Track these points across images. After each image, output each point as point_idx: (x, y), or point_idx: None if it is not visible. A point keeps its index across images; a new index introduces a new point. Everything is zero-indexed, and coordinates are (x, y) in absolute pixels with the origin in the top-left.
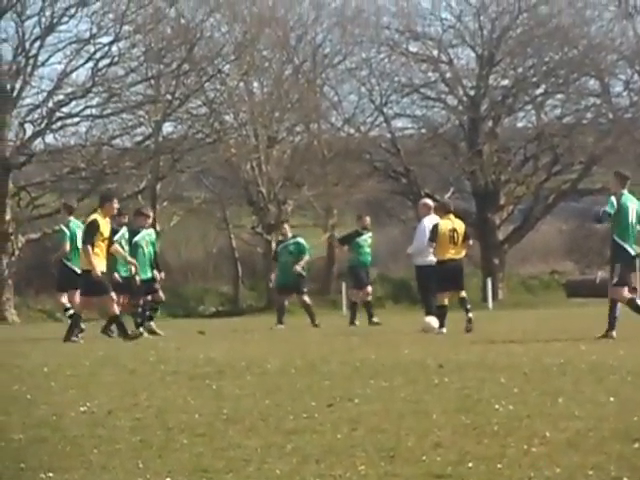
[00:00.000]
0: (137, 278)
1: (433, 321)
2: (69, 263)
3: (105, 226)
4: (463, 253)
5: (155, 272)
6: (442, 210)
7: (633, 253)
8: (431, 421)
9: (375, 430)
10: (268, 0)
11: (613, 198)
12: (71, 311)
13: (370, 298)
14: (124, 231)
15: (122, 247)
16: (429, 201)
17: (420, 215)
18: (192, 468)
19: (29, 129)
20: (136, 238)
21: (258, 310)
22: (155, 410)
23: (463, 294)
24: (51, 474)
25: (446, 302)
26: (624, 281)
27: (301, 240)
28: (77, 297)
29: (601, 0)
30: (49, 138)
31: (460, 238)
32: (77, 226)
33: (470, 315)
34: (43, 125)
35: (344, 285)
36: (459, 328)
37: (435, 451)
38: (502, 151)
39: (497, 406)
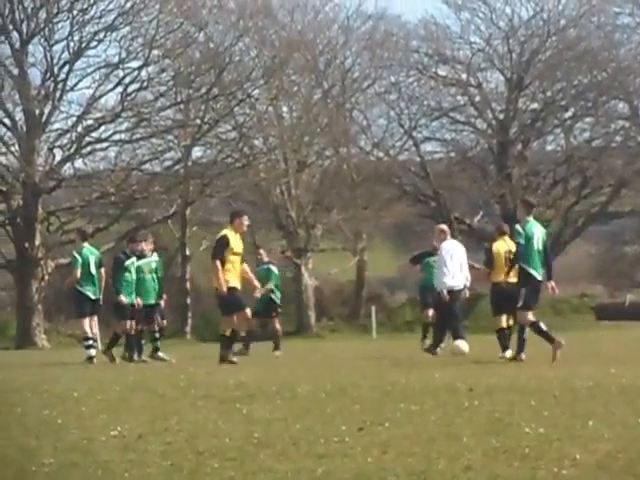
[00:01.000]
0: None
1: (462, 344)
2: (82, 289)
3: (236, 241)
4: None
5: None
6: (498, 232)
7: (539, 278)
8: (461, 444)
9: (406, 453)
10: (297, 24)
11: (519, 227)
12: (90, 342)
13: (429, 320)
14: (134, 259)
15: (129, 273)
16: (444, 226)
17: (438, 241)
18: None
19: (58, 154)
20: (138, 263)
21: (288, 334)
22: (186, 434)
23: (511, 322)
24: None
25: (504, 324)
26: (528, 305)
27: (273, 268)
28: (94, 322)
29: (630, 23)
30: (78, 163)
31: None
32: (90, 252)
33: (507, 354)
34: (72, 150)
35: (373, 309)
36: (488, 351)
37: (465, 474)
38: (531, 174)
39: (527, 429)
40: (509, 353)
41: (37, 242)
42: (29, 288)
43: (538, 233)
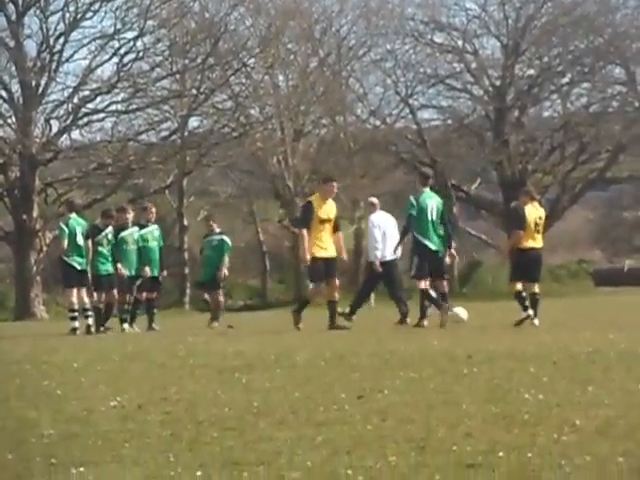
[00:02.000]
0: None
1: (461, 312)
2: (69, 260)
3: (323, 207)
4: (542, 243)
5: (147, 270)
6: (527, 196)
7: (434, 248)
8: (461, 411)
9: (405, 421)
10: None
11: (412, 198)
12: (75, 313)
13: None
14: (108, 231)
15: (103, 246)
16: (374, 199)
17: (368, 214)
18: (223, 461)
19: (55, 125)
20: (122, 234)
21: (286, 303)
22: (185, 404)
23: (536, 289)
24: (82, 469)
25: (520, 288)
26: (422, 274)
27: (226, 238)
28: (83, 293)
29: None
30: (75, 134)
31: (542, 226)
32: (77, 223)
33: (536, 321)
34: (69, 121)
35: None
36: (486, 319)
37: (465, 441)
38: (528, 141)
39: (527, 395)
40: (531, 312)
41: (35, 214)
42: (27, 260)
43: (432, 204)
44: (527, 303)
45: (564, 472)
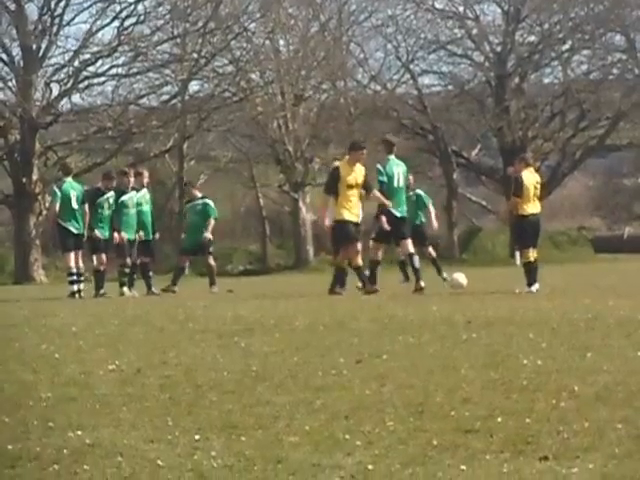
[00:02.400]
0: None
1: (461, 277)
2: (65, 224)
3: (350, 173)
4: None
5: (140, 233)
6: (523, 163)
7: (398, 215)
8: (459, 376)
9: (403, 386)
10: None
11: (380, 166)
12: (74, 277)
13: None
14: (110, 195)
15: (103, 209)
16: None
17: None
18: (221, 425)
19: (55, 89)
20: (122, 198)
21: (286, 268)
22: (184, 368)
23: (535, 255)
24: (80, 432)
25: (532, 257)
26: (380, 239)
27: (209, 202)
28: (77, 256)
29: None
30: (75, 98)
31: (539, 192)
32: (72, 187)
33: (536, 286)
34: (69, 85)
35: (371, 243)
36: (486, 284)
37: (464, 406)
38: (529, 107)
39: (525, 361)
40: (535, 287)
41: (35, 177)
42: (27, 223)
43: (399, 171)
44: (535, 277)
45: (562, 438)
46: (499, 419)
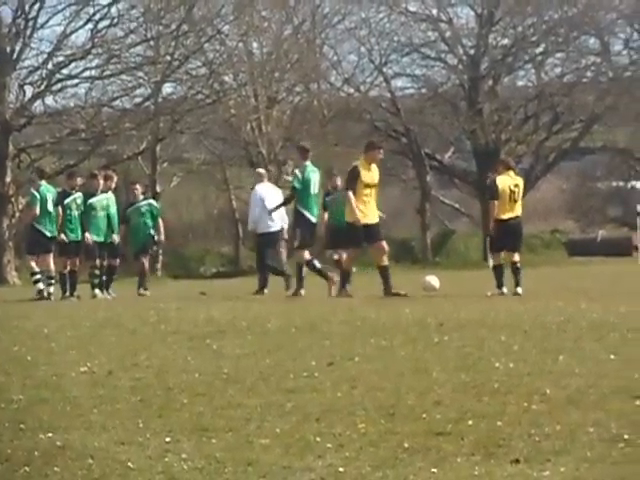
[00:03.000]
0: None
1: (433, 280)
2: (39, 227)
3: (367, 173)
4: (521, 211)
5: (114, 236)
6: (502, 166)
7: (314, 220)
8: (431, 379)
9: (375, 388)
10: None
11: (297, 171)
12: (37, 276)
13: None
14: (77, 195)
15: (72, 210)
16: (262, 170)
17: (254, 183)
18: (192, 427)
19: (29, 91)
20: (90, 200)
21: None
22: (155, 370)
23: (517, 258)
24: (51, 434)
25: (502, 261)
26: (304, 244)
27: (154, 202)
28: (49, 259)
29: None
30: (49, 100)
31: (520, 195)
32: (48, 190)
33: (519, 290)
34: (43, 87)
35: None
36: (458, 287)
37: (435, 409)
38: (502, 110)
39: (497, 364)
40: (505, 289)
41: (8, 179)
42: (0, 225)
43: (315, 178)
44: (503, 280)
45: (534, 441)
46: (470, 422)
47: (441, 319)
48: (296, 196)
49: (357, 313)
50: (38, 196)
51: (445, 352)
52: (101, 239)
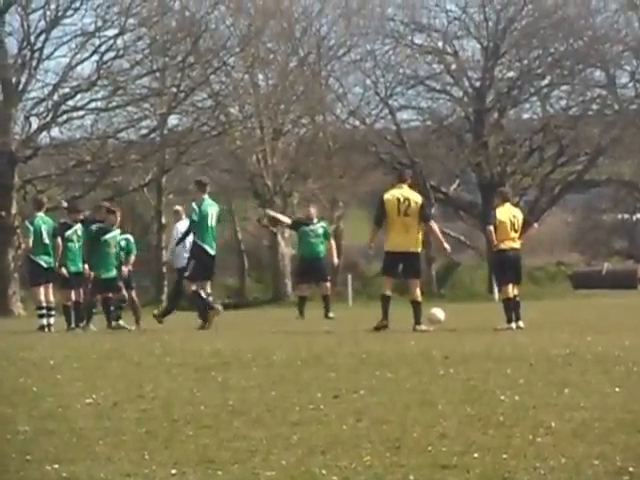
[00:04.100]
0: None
1: (439, 312)
2: (35, 258)
3: (391, 202)
4: (520, 242)
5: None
6: (499, 198)
7: (212, 253)
8: (437, 412)
9: (381, 421)
10: None
11: (195, 205)
12: (43, 310)
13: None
14: (77, 227)
15: (73, 242)
16: (179, 207)
17: (173, 221)
18: (198, 459)
19: (35, 122)
20: (105, 237)
21: (264, 302)
22: (161, 402)
23: (516, 291)
24: (57, 465)
25: (511, 294)
26: (194, 277)
27: (130, 237)
28: (47, 290)
29: None
30: (55, 131)
31: (520, 226)
32: (43, 222)
33: (521, 323)
34: (49, 118)
35: (349, 277)
36: (464, 320)
37: (441, 442)
38: (507, 143)
39: (502, 397)
40: (514, 325)
41: (14, 210)
42: (6, 256)
43: (212, 211)
44: (513, 315)
45: (539, 474)
46: (476, 455)
47: (446, 352)
48: (194, 229)
49: (362, 346)
50: (31, 228)
51: (451, 385)
52: (112, 274)
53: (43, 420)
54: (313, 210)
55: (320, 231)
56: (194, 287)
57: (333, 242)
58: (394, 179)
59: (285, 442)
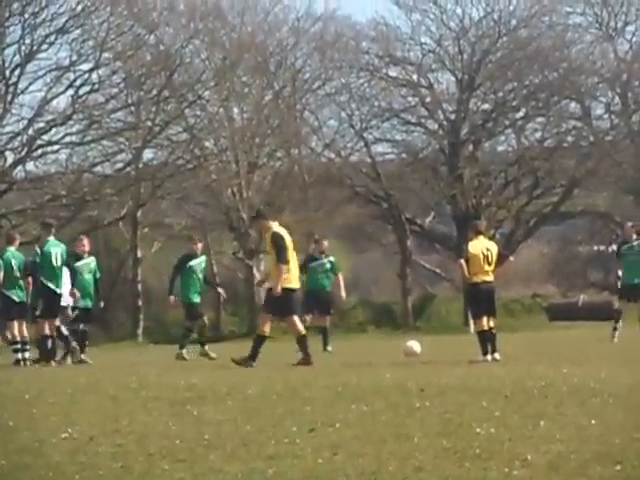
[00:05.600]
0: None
1: (415, 345)
2: (7, 292)
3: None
4: (493, 276)
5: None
6: (473, 231)
7: (58, 291)
8: (412, 445)
9: (356, 454)
10: (247, 26)
11: (37, 247)
12: (18, 345)
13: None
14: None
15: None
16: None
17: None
18: None
19: (10, 157)
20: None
21: (240, 336)
22: (136, 436)
23: (492, 324)
24: None
25: (486, 326)
26: (46, 314)
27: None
28: (21, 325)
29: (581, 23)
30: (30, 166)
31: (494, 259)
32: (13, 256)
33: (497, 355)
34: (24, 153)
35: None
36: (439, 352)
37: (416, 475)
38: (483, 175)
39: (478, 429)
40: (489, 357)
41: None
42: None
43: (57, 251)
44: (488, 347)
45: None
46: None
47: (422, 384)
48: (38, 269)
49: (338, 378)
50: (1, 262)
51: (426, 417)
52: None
53: (19, 454)
54: (326, 244)
55: (327, 265)
56: (47, 326)
57: (341, 276)
58: None
59: (261, 476)
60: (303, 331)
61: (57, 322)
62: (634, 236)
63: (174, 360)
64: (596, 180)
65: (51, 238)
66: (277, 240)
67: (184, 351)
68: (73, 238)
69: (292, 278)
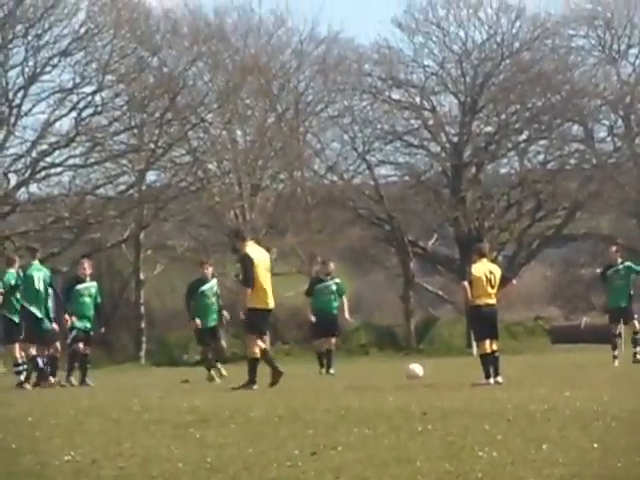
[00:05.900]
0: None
1: (417, 368)
2: (9, 315)
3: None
4: (495, 299)
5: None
6: (476, 254)
7: (40, 315)
8: (415, 468)
9: (359, 478)
10: (250, 48)
11: (20, 270)
12: (20, 367)
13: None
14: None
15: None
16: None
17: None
18: None
19: (13, 179)
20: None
21: (242, 358)
22: (139, 459)
23: (495, 347)
24: None
25: (488, 349)
26: (30, 338)
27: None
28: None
29: (584, 45)
30: (33, 188)
31: (497, 282)
32: (12, 277)
33: (499, 378)
34: (27, 175)
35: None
36: (442, 375)
37: None
38: (485, 197)
39: (481, 453)
40: (492, 380)
41: None
42: None
43: (40, 275)
44: (491, 370)
45: None
46: None
47: (425, 408)
48: (20, 294)
49: (341, 401)
50: (1, 283)
51: (429, 441)
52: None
53: (22, 477)
54: (332, 266)
55: (333, 287)
56: (33, 351)
57: (345, 299)
58: None
59: None
60: (258, 354)
61: (33, 351)
62: (619, 260)
63: (177, 383)
64: (599, 203)
65: (35, 262)
66: (244, 262)
67: (212, 372)
68: (75, 260)
69: (262, 298)
